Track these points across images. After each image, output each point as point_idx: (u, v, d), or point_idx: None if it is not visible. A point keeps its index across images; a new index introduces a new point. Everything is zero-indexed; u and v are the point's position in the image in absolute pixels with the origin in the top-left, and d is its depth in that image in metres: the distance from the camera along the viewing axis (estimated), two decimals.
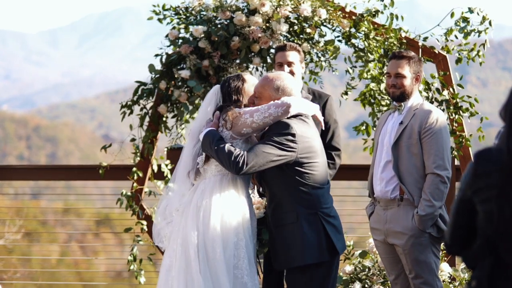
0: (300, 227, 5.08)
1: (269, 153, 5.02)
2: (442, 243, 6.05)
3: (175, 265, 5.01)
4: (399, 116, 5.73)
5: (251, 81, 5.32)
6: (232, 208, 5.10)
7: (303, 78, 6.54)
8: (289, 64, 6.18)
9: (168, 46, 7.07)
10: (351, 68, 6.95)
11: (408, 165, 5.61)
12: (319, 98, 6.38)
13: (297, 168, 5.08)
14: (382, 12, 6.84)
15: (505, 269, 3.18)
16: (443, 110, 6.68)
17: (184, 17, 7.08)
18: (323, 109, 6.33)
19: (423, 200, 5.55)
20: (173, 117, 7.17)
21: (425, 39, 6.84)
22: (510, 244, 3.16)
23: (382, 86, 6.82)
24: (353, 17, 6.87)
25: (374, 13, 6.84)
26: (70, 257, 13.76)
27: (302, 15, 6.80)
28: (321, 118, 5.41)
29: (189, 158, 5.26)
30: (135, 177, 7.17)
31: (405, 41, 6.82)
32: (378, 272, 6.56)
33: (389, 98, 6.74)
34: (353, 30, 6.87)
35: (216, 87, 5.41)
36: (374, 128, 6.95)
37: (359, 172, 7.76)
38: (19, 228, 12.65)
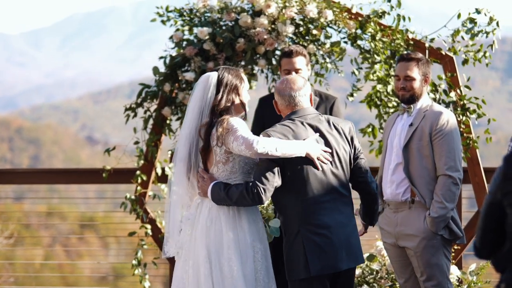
0: (286, 243, 4.92)
1: (269, 166, 4.80)
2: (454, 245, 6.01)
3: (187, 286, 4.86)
4: (409, 118, 5.68)
5: (246, 85, 5.04)
6: (244, 222, 4.90)
7: (309, 79, 6.50)
8: (297, 71, 6.17)
9: (172, 48, 7.01)
10: (357, 69, 6.90)
11: (419, 167, 5.57)
12: (326, 100, 6.34)
13: (286, 174, 4.82)
14: (388, 13, 6.79)
15: None
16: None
17: (188, 18, 7.01)
18: (330, 112, 6.29)
19: (435, 202, 5.51)
20: (177, 119, 7.10)
21: (431, 40, 6.80)
22: None
23: (389, 87, 6.77)
24: (359, 18, 6.82)
25: (380, 14, 6.80)
26: (54, 261, 13.63)
27: (308, 17, 6.74)
28: (315, 158, 4.83)
29: (183, 161, 4.97)
30: (139, 181, 7.10)
31: (412, 42, 6.77)
32: (386, 275, 6.53)
33: (396, 99, 6.71)
34: (359, 31, 6.82)
35: (208, 78, 4.97)
36: (381, 130, 6.91)
37: None
38: (11, 232, 12.53)
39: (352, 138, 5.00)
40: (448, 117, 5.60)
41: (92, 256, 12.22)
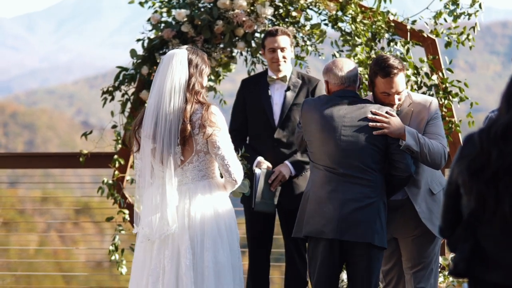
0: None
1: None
2: None
3: (163, 278, 4.66)
4: None
5: (208, 71, 4.91)
6: (228, 208, 4.83)
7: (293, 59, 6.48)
8: (282, 49, 6.17)
9: (150, 31, 6.89)
10: (337, 52, 6.79)
11: None
12: (308, 82, 6.29)
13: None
14: None
15: (481, 253, 3.17)
16: (432, 95, 6.54)
17: (166, 0, 6.90)
18: (312, 94, 6.24)
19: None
20: None
21: (413, 22, 6.69)
22: (486, 228, 3.16)
23: None
24: (340, 0, 6.71)
25: None
26: (49, 247, 13.56)
27: None
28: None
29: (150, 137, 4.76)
30: (117, 165, 7.00)
31: (393, 24, 6.66)
32: None
33: None
34: (339, 13, 6.71)
35: (179, 56, 4.83)
36: None
37: None
38: (5, 217, 12.45)
39: None
40: None
41: (87, 242, 12.17)
